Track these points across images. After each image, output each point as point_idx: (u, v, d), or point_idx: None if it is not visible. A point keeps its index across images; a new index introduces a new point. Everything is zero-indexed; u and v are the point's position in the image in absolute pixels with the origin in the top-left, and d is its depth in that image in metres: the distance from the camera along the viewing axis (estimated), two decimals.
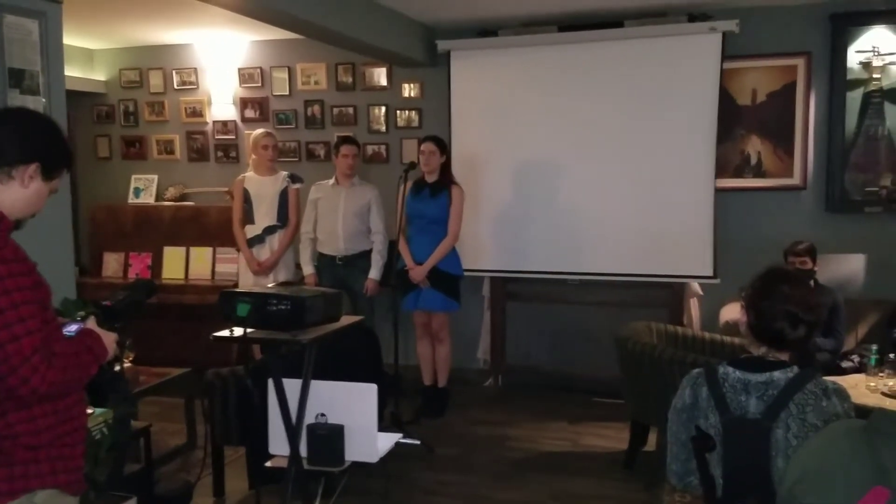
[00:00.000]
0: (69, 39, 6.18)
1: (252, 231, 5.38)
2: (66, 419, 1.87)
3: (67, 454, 1.88)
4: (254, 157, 5.47)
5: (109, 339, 1.96)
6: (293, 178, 5.42)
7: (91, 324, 1.97)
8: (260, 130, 5.51)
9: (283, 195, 5.37)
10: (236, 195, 5.48)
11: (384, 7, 5.20)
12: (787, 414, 1.98)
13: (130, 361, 4.27)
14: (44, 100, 3.04)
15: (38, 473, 1.83)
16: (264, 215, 5.36)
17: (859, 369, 4.10)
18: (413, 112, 6.12)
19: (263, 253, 5.36)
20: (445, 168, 5.09)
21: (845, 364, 4.32)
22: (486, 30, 5.67)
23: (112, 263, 6.45)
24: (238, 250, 5.49)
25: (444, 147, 5.09)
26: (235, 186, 5.51)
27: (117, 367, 2.08)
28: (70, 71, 6.27)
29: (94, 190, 6.82)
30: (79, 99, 6.65)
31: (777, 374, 2.03)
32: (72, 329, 1.93)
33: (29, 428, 1.80)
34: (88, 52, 6.78)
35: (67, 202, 3.27)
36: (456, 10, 5.43)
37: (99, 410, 3.15)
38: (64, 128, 3.00)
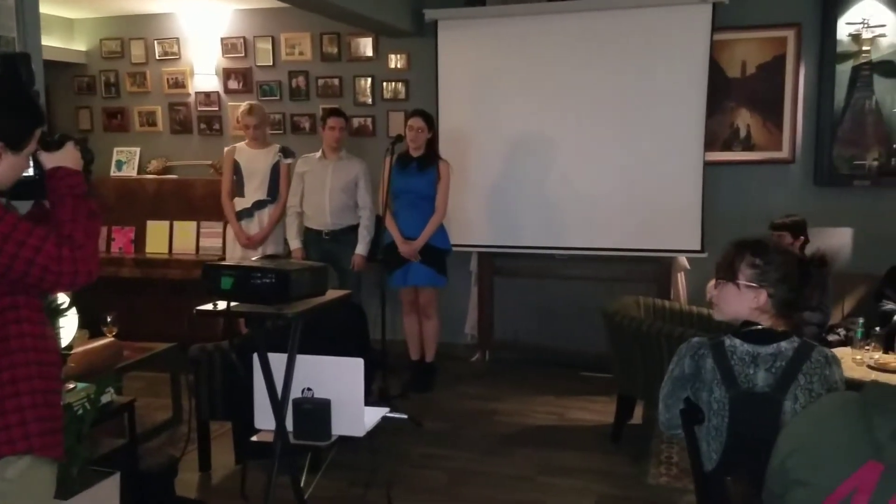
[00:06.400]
0: (49, 9, 6.05)
1: (241, 204, 5.29)
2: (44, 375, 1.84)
3: (46, 415, 1.81)
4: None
5: (75, 158, 1.94)
6: (285, 153, 5.31)
7: (70, 148, 1.93)
8: (244, 107, 5.34)
9: (275, 170, 5.28)
10: (226, 166, 5.35)
11: None
12: (796, 385, 1.98)
13: (114, 336, 4.22)
14: None
15: (9, 439, 1.76)
16: (255, 189, 5.27)
17: (845, 342, 4.11)
18: (400, 84, 6.04)
19: (252, 228, 5.28)
20: (431, 143, 5.03)
21: (832, 337, 4.33)
22: None
23: None
24: (226, 223, 5.41)
25: (431, 122, 5.03)
26: (226, 157, 5.38)
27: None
28: (50, 41, 6.17)
29: None
30: (59, 70, 6.53)
31: (784, 344, 2.03)
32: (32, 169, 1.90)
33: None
34: (68, 22, 6.63)
35: None
36: None
37: (82, 385, 3.12)
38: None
